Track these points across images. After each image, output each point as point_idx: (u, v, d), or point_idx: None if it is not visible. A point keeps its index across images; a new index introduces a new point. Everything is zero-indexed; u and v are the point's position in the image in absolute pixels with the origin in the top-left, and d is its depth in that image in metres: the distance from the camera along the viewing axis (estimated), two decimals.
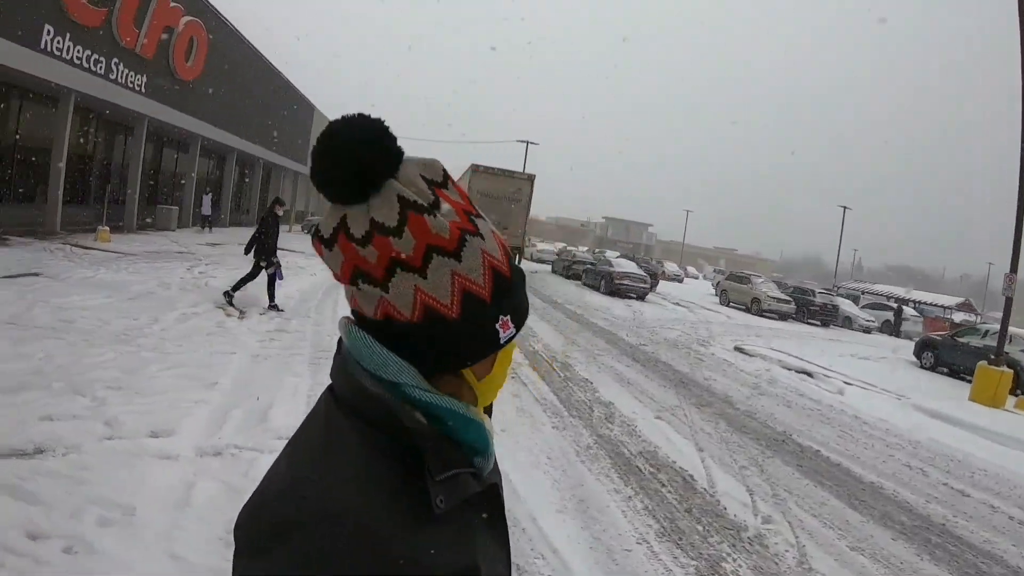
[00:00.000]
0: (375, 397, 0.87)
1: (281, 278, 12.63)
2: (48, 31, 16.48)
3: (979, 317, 49.70)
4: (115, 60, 19.61)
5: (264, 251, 12.27)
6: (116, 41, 19.49)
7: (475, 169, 31.84)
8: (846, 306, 38.75)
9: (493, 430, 1.00)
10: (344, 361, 0.93)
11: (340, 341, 0.96)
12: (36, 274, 11.98)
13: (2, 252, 13.85)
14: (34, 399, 5.78)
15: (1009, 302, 16.68)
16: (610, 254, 47.52)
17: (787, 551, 5.53)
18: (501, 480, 1.04)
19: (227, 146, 31.37)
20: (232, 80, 29.35)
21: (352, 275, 0.90)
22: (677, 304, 32.02)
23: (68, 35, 17.18)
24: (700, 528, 5.72)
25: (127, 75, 20.45)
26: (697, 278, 78.45)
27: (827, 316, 35.64)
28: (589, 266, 35.54)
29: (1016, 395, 16.73)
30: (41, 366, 6.78)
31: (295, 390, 7.39)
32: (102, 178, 22.58)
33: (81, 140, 21.51)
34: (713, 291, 45.01)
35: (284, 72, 38.35)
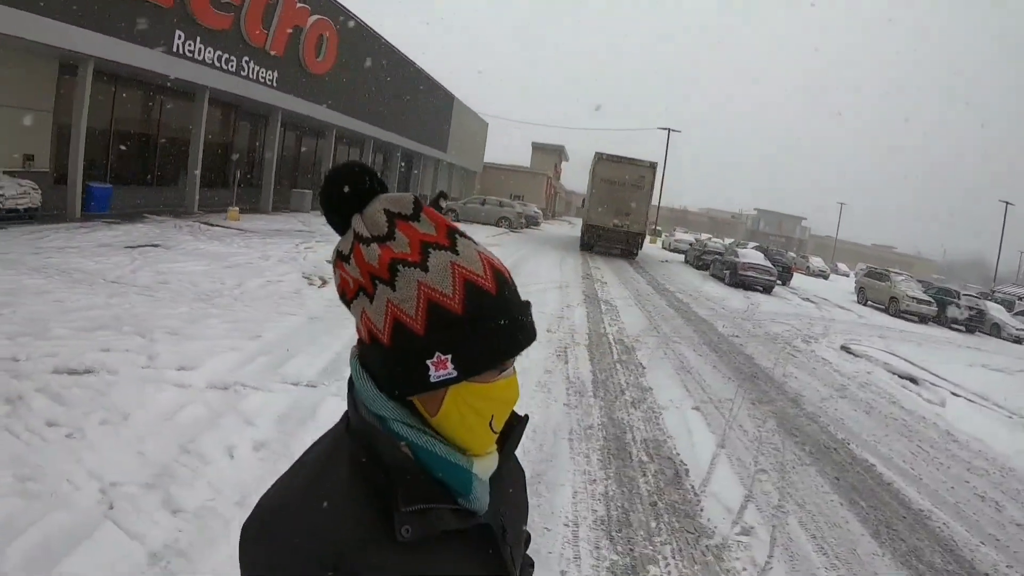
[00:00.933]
0: (369, 428, 0.96)
1: None
2: (179, 36, 18.23)
3: None
4: (245, 58, 21.33)
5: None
6: (246, 41, 21.20)
7: (599, 157, 33.08)
8: (995, 312, 34.78)
9: (488, 470, 1.04)
10: (350, 387, 1.03)
11: None
12: (156, 245, 13.53)
13: (136, 227, 15.61)
14: (104, 336, 6.98)
15: None
16: (741, 245, 46.83)
17: (744, 570, 4.85)
18: (509, 522, 1.10)
19: (362, 135, 33.02)
20: (365, 72, 30.89)
21: (340, 294, 1.03)
22: (807, 300, 30.57)
23: (198, 38, 18.91)
24: (653, 525, 5.26)
25: (258, 71, 22.19)
26: (848, 275, 74.92)
27: (972, 321, 32.41)
28: (717, 256, 34.04)
29: None
30: (121, 314, 8.00)
31: (325, 347, 8.18)
32: (239, 164, 24.49)
33: (219, 130, 23.59)
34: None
35: (421, 65, 39.82)
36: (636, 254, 34.54)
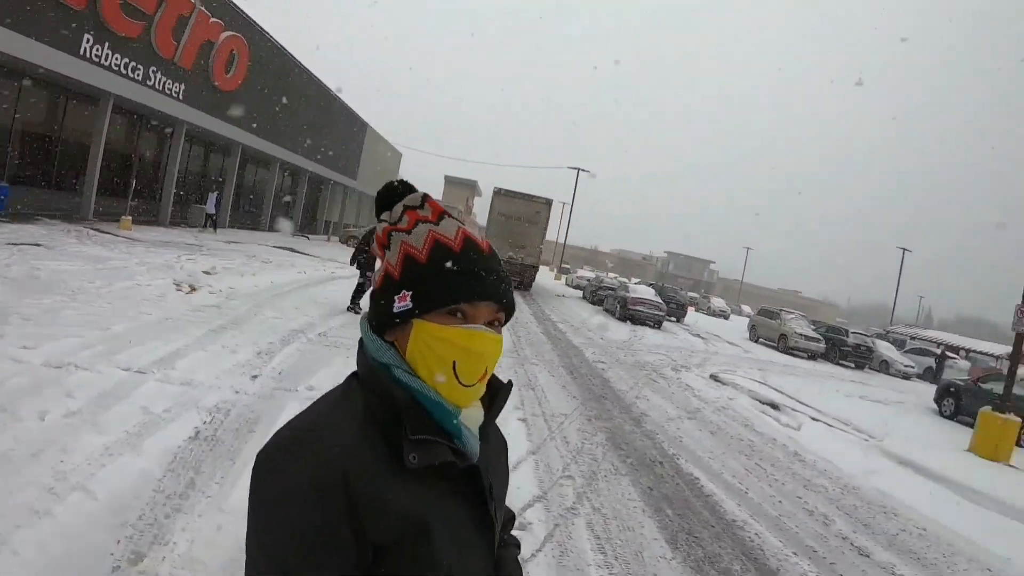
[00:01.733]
0: (375, 374, 1.17)
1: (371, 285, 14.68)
2: (88, 39, 18.49)
3: None
4: (153, 68, 21.58)
5: (366, 264, 14.33)
6: (155, 50, 21.48)
7: (497, 191, 34.61)
8: (884, 349, 37.12)
9: (474, 421, 1.23)
10: (360, 345, 1.24)
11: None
12: (39, 244, 13.65)
13: (26, 228, 15.69)
14: None
15: (1020, 338, 14.67)
16: (635, 282, 47.78)
17: None
18: (495, 480, 1.28)
19: (270, 155, 33.25)
20: (276, 93, 31.27)
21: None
22: (696, 336, 31.41)
23: (107, 43, 19.20)
24: None
25: (164, 82, 22.42)
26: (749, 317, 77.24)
27: (861, 358, 34.33)
28: (610, 292, 35.19)
29: None
30: None
31: (169, 342, 8.51)
32: (140, 174, 24.40)
33: (122, 138, 23.60)
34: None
35: (336, 91, 40.33)
36: (530, 286, 35.70)
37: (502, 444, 1.41)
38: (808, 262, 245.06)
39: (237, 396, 7.00)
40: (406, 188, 1.30)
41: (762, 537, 6.52)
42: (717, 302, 65.35)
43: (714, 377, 17.49)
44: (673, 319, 37.32)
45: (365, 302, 15.61)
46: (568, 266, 67.77)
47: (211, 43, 24.85)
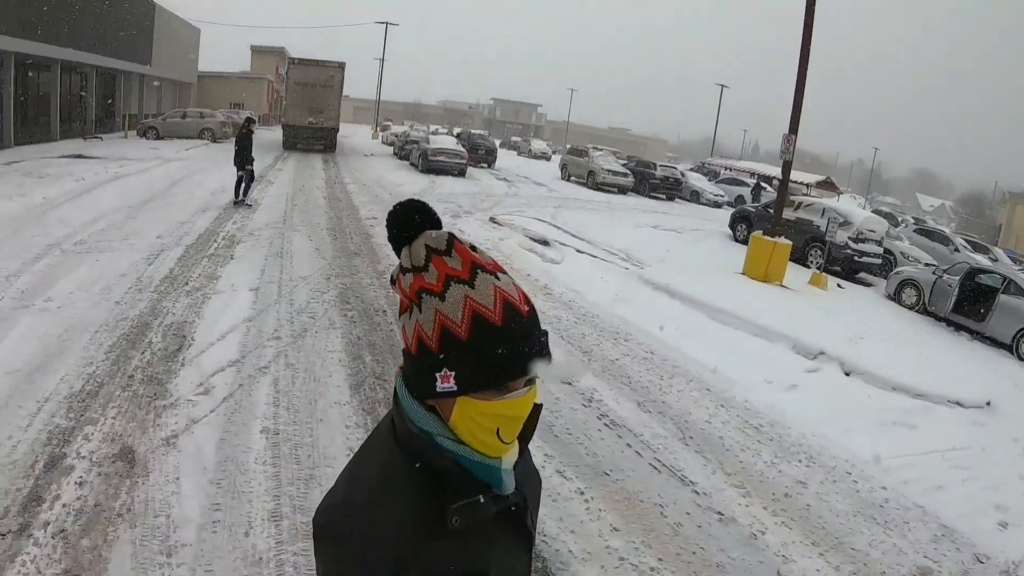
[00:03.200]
0: (418, 440, 1.17)
1: (252, 179, 16.87)
2: None
3: (838, 195, 49.85)
4: None
5: (242, 160, 15.83)
6: None
7: (291, 61, 36.57)
8: (694, 180, 38.91)
9: (512, 461, 1.23)
10: (396, 402, 1.22)
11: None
12: None
13: None
14: None
15: (788, 165, 15.59)
16: (434, 131, 48.05)
17: (175, 424, 5.63)
18: (530, 494, 1.32)
19: (48, 58, 31.08)
20: None
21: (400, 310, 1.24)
22: (503, 180, 32.15)
23: None
24: (118, 394, 5.99)
25: None
26: None
27: (670, 189, 35.55)
28: (415, 145, 35.26)
29: (815, 270, 16.66)
30: None
31: None
32: None
33: None
34: None
35: None
36: (334, 148, 37.29)
37: (533, 469, 1.42)
38: (638, 101, 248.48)
39: None
40: (424, 216, 1.25)
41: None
42: (538, 144, 66.23)
43: (492, 220, 18.11)
44: (484, 165, 38.33)
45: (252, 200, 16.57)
46: (389, 123, 67.12)
47: None
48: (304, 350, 7.46)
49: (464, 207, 19.59)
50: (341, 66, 36.08)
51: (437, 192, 23.27)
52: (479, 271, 1.17)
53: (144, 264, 10.51)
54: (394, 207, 1.27)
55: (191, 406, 5.92)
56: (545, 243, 15.32)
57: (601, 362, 8.19)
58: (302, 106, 34.62)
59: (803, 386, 8.37)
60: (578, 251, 14.72)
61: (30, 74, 31.61)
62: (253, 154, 16.69)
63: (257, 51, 78.49)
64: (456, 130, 50.04)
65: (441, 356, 1.13)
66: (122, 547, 4.01)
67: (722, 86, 67.80)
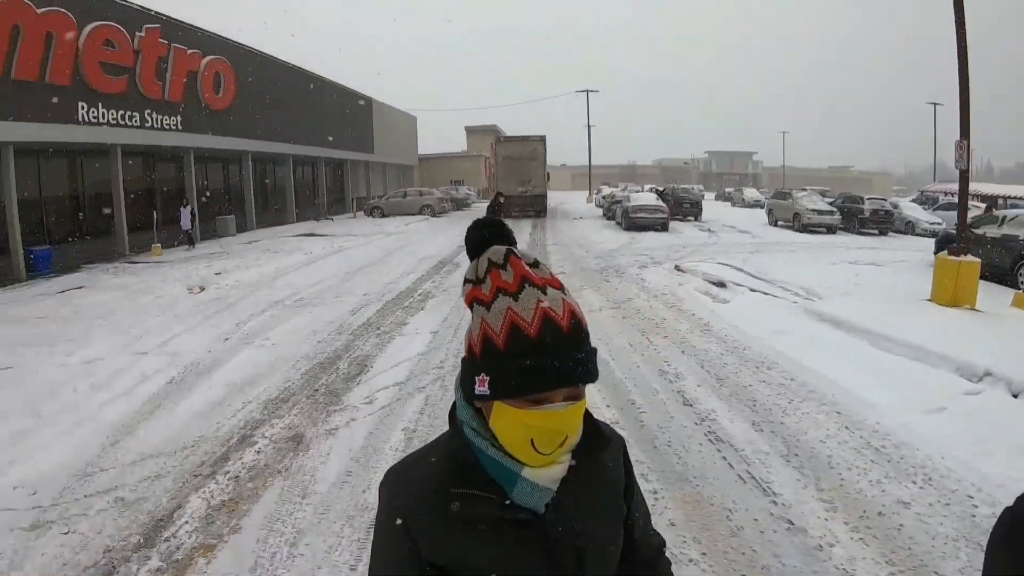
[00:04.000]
0: (455, 427, 1.34)
1: None
2: (82, 106, 21.63)
3: None
4: (147, 111, 24.65)
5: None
6: (143, 96, 24.49)
7: (498, 139, 40.51)
8: (908, 210, 34.89)
9: (547, 478, 1.27)
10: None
11: None
12: (81, 287, 16.75)
13: (72, 276, 18.93)
14: (24, 349, 10.23)
15: (963, 175, 13.96)
16: (635, 190, 49.02)
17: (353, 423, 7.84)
18: (581, 525, 1.31)
19: (280, 154, 36.34)
20: (271, 96, 34.19)
21: None
22: (706, 231, 31.64)
23: (100, 104, 22.30)
24: (307, 401, 8.06)
25: (161, 119, 25.48)
26: None
27: (881, 223, 32.50)
28: (618, 204, 35.79)
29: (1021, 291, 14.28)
30: (40, 336, 11.40)
31: (174, 335, 11.45)
32: (163, 203, 27.69)
33: (139, 176, 26.71)
34: None
35: (331, 77, 43.11)
36: (545, 212, 40.18)
37: (608, 484, 1.42)
38: (857, 135, 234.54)
39: (208, 354, 9.94)
40: (492, 231, 1.36)
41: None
42: (750, 193, 64.35)
43: (677, 267, 17.97)
44: (690, 218, 38.06)
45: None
46: (604, 187, 69.05)
47: (194, 72, 27.75)
48: (449, 379, 8.72)
49: (655, 258, 19.79)
50: (542, 139, 39.17)
51: (634, 247, 23.50)
52: (527, 285, 1.24)
53: (348, 314, 12.72)
54: (471, 226, 1.38)
55: (355, 411, 7.55)
56: (721, 285, 15.13)
57: (732, 388, 8.10)
58: (512, 178, 37.76)
59: (952, 408, 7.44)
60: (752, 290, 14.51)
61: (267, 168, 36.85)
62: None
63: (472, 131, 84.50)
64: (658, 187, 50.77)
65: (481, 361, 1.22)
66: (274, 489, 5.67)
67: (935, 104, 62.48)
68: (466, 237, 1.37)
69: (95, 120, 22.11)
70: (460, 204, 49.64)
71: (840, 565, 4.50)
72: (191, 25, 27.87)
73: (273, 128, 34.14)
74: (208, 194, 31.31)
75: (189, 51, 27.25)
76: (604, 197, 47.22)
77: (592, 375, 1.24)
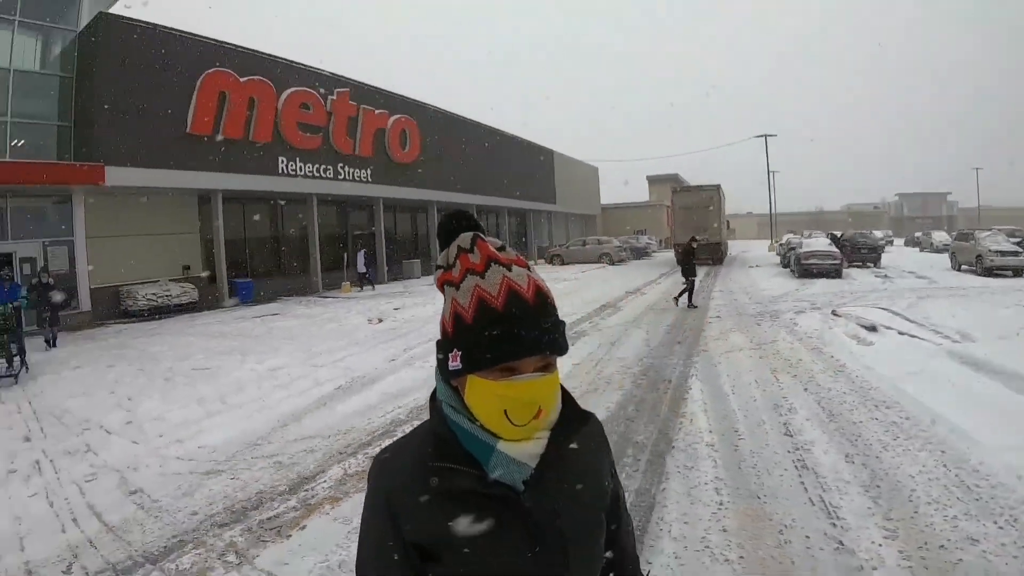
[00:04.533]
0: (434, 407, 1.39)
1: (692, 288, 19.52)
2: (282, 160, 25.07)
3: None
4: (340, 164, 27.89)
5: (687, 271, 19.33)
6: (336, 151, 27.74)
7: (674, 190, 40.92)
8: None
9: (524, 453, 1.32)
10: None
11: None
12: (275, 314, 19.26)
13: (268, 306, 22.02)
14: (221, 358, 12.32)
15: None
16: (808, 236, 47.44)
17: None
18: (564, 508, 1.36)
19: (462, 204, 38.40)
20: (455, 150, 36.93)
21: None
22: (881, 277, 29.42)
23: (297, 159, 25.74)
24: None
25: (352, 172, 28.62)
26: None
27: None
28: (792, 251, 33.86)
29: None
30: (235, 348, 13.61)
31: (350, 354, 13.29)
32: (353, 246, 30.64)
33: (333, 222, 30.05)
34: None
35: (510, 131, 45.57)
36: (721, 261, 40.56)
37: (593, 468, 1.48)
38: None
39: (375, 370, 11.58)
40: (460, 223, 1.43)
41: (694, 422, 7.88)
42: (939, 236, 60.97)
43: (834, 312, 17.23)
44: (870, 264, 35.73)
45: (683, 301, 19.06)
46: (790, 235, 67.22)
47: (382, 130, 30.85)
48: (584, 400, 9.14)
49: (817, 304, 19.10)
50: (717, 188, 39.70)
51: (800, 293, 22.58)
52: (492, 264, 1.31)
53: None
54: (443, 216, 1.46)
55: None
56: (872, 329, 14.37)
57: (841, 423, 7.86)
58: (688, 227, 37.60)
59: None
60: (900, 333, 13.80)
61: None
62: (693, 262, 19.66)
63: (653, 180, 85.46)
64: (834, 232, 49.14)
65: (453, 337, 1.30)
66: None
67: None
68: (437, 230, 1.44)
69: (293, 172, 25.44)
70: (640, 253, 49.91)
71: None
72: (378, 88, 31.15)
73: (457, 179, 36.84)
74: (396, 239, 34.22)
75: (377, 111, 30.34)
76: (781, 244, 46.19)
77: (560, 346, 1.31)
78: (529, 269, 1.35)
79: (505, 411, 1.26)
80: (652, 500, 5.64)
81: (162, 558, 4.92)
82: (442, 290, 1.36)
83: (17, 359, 12.15)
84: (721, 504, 5.56)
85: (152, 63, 20.82)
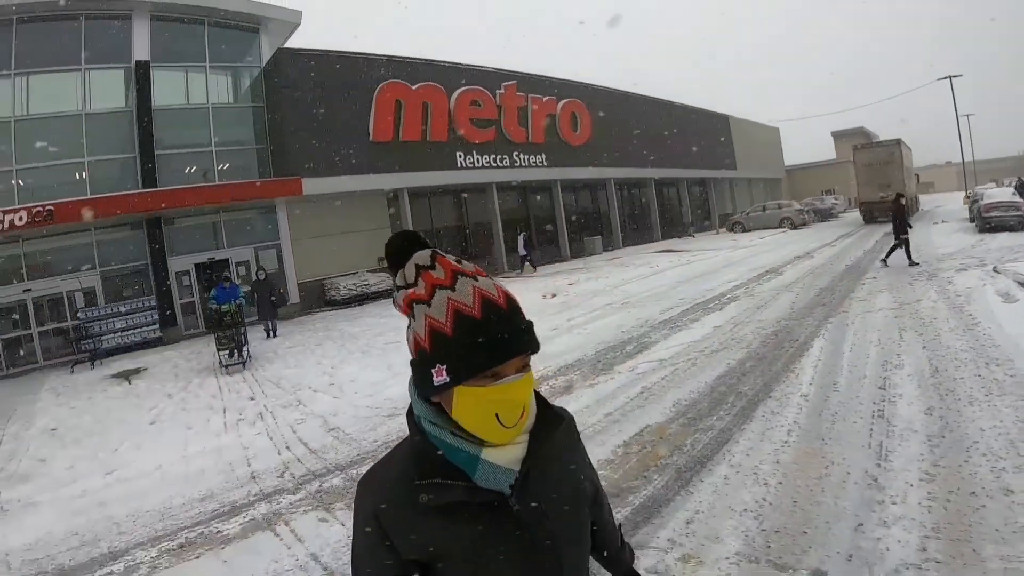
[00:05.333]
0: (412, 424, 1.41)
1: (907, 245, 17.87)
2: (460, 155, 27.40)
3: None
4: (515, 152, 29.74)
5: (898, 229, 18.06)
6: (510, 141, 29.62)
7: (855, 148, 39.17)
8: None
9: (506, 458, 1.37)
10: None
11: None
12: None
13: None
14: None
15: None
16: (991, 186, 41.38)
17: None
18: (548, 503, 1.42)
19: (640, 178, 39.79)
20: (627, 126, 37.77)
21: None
22: None
23: (474, 152, 27.93)
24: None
25: (528, 158, 30.38)
26: None
27: None
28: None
29: None
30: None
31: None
32: (537, 228, 32.61)
33: (514, 206, 31.98)
34: None
35: (681, 101, 45.48)
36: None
37: (572, 465, 1.55)
38: None
39: (558, 340, 12.70)
40: (411, 242, 1.48)
41: (800, 376, 8.21)
42: None
43: (995, 269, 15.87)
44: None
45: (893, 258, 17.68)
46: (994, 183, 60.52)
47: (552, 115, 32.28)
48: (709, 358, 9.84)
49: (985, 261, 17.16)
50: (898, 142, 38.24)
51: (973, 250, 19.88)
52: (459, 276, 1.36)
53: (658, 313, 14.46)
54: (389, 239, 1.49)
55: (616, 375, 9.41)
56: None
57: (941, 379, 7.65)
58: (871, 183, 37.16)
59: None
60: None
61: (631, 191, 40.45)
62: (908, 222, 18.31)
63: (838, 136, 79.84)
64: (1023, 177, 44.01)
65: (433, 353, 1.31)
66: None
67: None
68: (385, 251, 1.49)
69: (471, 165, 27.69)
70: (824, 215, 47.64)
71: (884, 519, 4.55)
72: (542, 76, 32.65)
73: (632, 155, 37.71)
74: (575, 217, 35.47)
75: (545, 98, 31.87)
76: (967, 196, 42.50)
77: (535, 345, 1.38)
78: (491, 278, 1.41)
79: (497, 415, 1.31)
80: (728, 437, 6.34)
81: (348, 468, 6.79)
82: (407, 310, 1.39)
83: (246, 348, 14.33)
84: (786, 443, 6.03)
85: (330, 84, 24.01)
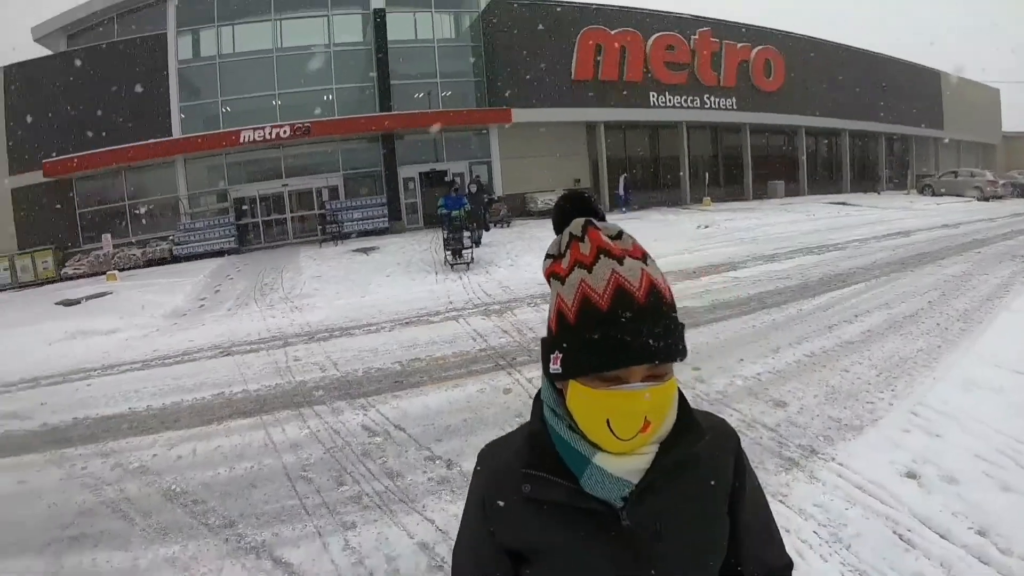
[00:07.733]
0: (536, 407, 1.33)
1: None
2: (652, 95, 30.61)
3: None
4: (706, 95, 32.35)
5: None
6: (701, 84, 32.29)
7: None
8: None
9: (623, 468, 1.20)
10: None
11: None
12: (637, 218, 24.50)
13: (639, 212, 26.89)
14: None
15: None
16: None
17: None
18: (668, 528, 1.24)
19: (833, 128, 40.19)
20: (821, 76, 38.04)
21: None
22: None
23: (666, 92, 30.96)
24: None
25: (718, 101, 32.84)
26: None
27: None
28: None
29: None
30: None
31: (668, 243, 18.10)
32: (719, 167, 35.08)
33: (702, 144, 34.56)
34: None
35: (891, 53, 44.55)
36: None
37: (704, 492, 1.31)
38: None
39: (683, 253, 16.17)
40: (575, 205, 1.31)
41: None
42: None
43: None
44: None
45: None
46: None
47: (745, 62, 34.10)
48: (759, 282, 13.22)
49: None
50: None
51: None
52: (602, 256, 1.17)
53: (769, 250, 17.19)
54: (557, 201, 1.35)
55: (692, 281, 13.34)
56: None
57: (928, 320, 9.15)
58: None
59: None
60: None
61: (821, 140, 41.40)
62: None
63: None
64: None
65: (556, 337, 1.18)
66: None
67: None
68: (552, 214, 1.35)
69: (663, 104, 30.79)
70: (1020, 190, 41.24)
71: (834, 330, 8.56)
72: (738, 23, 34.38)
73: (826, 104, 38.13)
74: (765, 158, 37.04)
75: (739, 45, 33.74)
76: None
77: (674, 352, 1.15)
78: (645, 261, 1.20)
79: (608, 422, 1.15)
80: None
81: (505, 303, 11.03)
82: (548, 282, 1.26)
83: (470, 252, 16.21)
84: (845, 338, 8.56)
85: (538, 28, 28.26)
